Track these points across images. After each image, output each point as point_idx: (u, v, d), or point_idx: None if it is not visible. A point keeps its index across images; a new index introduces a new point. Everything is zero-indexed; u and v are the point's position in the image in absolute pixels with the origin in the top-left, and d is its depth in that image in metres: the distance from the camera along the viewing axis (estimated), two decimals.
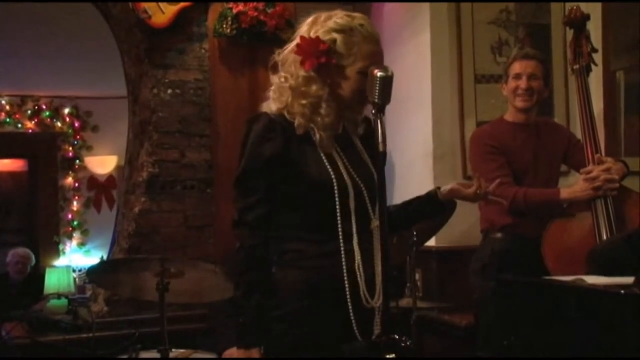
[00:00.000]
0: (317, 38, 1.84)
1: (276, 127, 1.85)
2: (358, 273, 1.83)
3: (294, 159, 1.84)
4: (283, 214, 1.87)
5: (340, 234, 1.83)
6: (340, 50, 1.85)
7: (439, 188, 2.12)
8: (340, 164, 1.88)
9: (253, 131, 1.87)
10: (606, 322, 2.02)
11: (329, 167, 1.84)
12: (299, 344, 1.81)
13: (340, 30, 1.86)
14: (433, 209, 2.11)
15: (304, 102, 1.85)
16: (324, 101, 1.86)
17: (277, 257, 1.87)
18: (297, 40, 1.89)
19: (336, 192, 1.82)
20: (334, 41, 1.85)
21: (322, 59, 1.83)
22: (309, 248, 1.84)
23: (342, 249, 1.82)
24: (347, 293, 1.81)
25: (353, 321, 1.81)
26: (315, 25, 1.88)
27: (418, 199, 2.12)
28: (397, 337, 1.91)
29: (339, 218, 1.82)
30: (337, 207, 1.82)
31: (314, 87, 1.85)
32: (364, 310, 1.82)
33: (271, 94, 1.91)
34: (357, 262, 1.83)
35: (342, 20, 1.88)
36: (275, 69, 1.94)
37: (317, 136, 1.86)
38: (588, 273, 2.47)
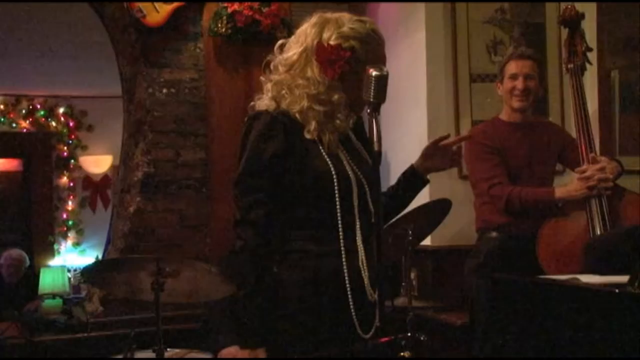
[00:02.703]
0: (339, 45, 1.84)
1: (278, 124, 1.84)
2: (362, 269, 1.83)
3: (297, 155, 1.84)
4: (286, 212, 1.86)
5: (340, 229, 1.83)
6: (359, 57, 1.85)
7: (411, 165, 2.15)
8: (344, 160, 1.89)
9: (254, 129, 1.86)
10: (600, 320, 2.02)
11: (328, 160, 1.84)
12: (303, 344, 1.81)
13: (358, 37, 1.87)
14: (416, 184, 2.15)
15: (320, 108, 1.85)
16: (342, 107, 1.87)
17: (281, 256, 1.86)
18: (304, 43, 1.88)
19: (336, 183, 1.82)
20: (352, 48, 1.85)
21: (345, 67, 1.84)
22: (313, 247, 1.84)
23: (343, 247, 1.83)
24: (349, 291, 1.81)
25: (355, 319, 1.81)
26: (327, 30, 1.87)
27: (398, 184, 2.15)
28: (410, 335, 1.91)
29: (339, 211, 1.82)
30: (337, 198, 1.82)
31: (336, 96, 1.86)
32: (367, 306, 1.82)
33: (271, 92, 1.89)
34: (360, 258, 1.84)
35: (357, 25, 1.88)
36: (269, 68, 1.93)
37: (326, 138, 1.86)
38: (584, 265, 2.48)
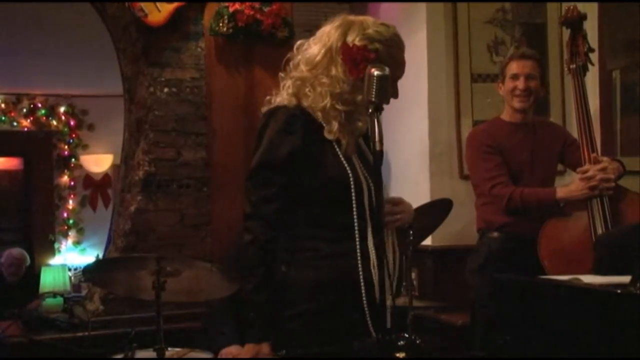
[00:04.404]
0: (365, 47, 1.85)
1: (296, 121, 1.85)
2: (373, 272, 1.83)
3: (313, 154, 1.85)
4: (297, 211, 1.87)
5: (357, 232, 1.83)
6: (382, 60, 1.85)
7: None
8: (356, 163, 1.89)
9: (271, 124, 1.87)
10: (602, 321, 2.02)
11: (346, 164, 1.85)
12: (312, 343, 1.81)
13: (382, 40, 1.88)
14: None
15: (343, 108, 1.86)
16: (364, 108, 1.86)
17: (290, 255, 1.86)
18: (328, 43, 1.89)
19: (352, 188, 1.83)
20: (377, 50, 1.87)
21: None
22: (323, 246, 1.85)
23: (358, 248, 1.83)
24: (363, 292, 1.81)
25: (369, 320, 1.81)
26: (352, 32, 1.88)
27: None
28: (407, 336, 1.90)
29: (355, 215, 1.83)
30: (354, 203, 1.83)
31: (359, 96, 1.86)
32: (376, 309, 1.82)
33: (291, 88, 1.90)
34: (372, 261, 1.84)
35: (381, 29, 1.90)
36: (288, 66, 1.94)
37: (345, 141, 1.87)
38: (592, 260, 2.47)
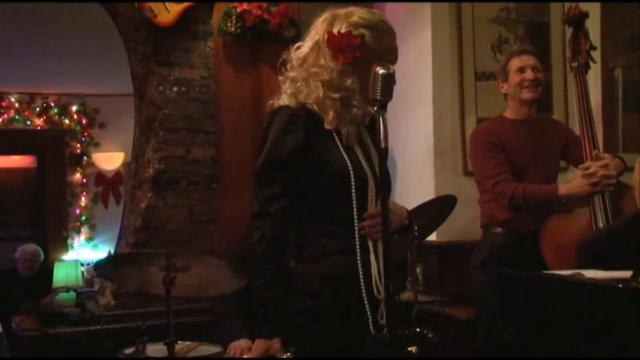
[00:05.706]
0: (349, 32, 1.88)
1: (298, 119, 1.87)
2: (372, 267, 1.86)
3: (316, 150, 1.87)
4: (304, 207, 1.89)
5: (356, 225, 1.85)
6: (369, 45, 1.89)
7: None
8: (360, 156, 1.91)
9: (275, 123, 1.89)
10: (604, 315, 2.02)
11: (347, 159, 1.87)
12: (320, 338, 1.83)
13: (367, 25, 1.90)
14: None
15: (336, 95, 1.88)
16: (357, 94, 1.89)
17: (297, 251, 1.89)
18: (316, 37, 1.92)
19: (352, 180, 1.85)
20: (363, 36, 1.89)
21: (356, 52, 1.87)
22: (330, 243, 1.87)
23: (358, 244, 1.85)
24: (362, 288, 1.84)
25: (369, 317, 1.83)
26: (338, 22, 1.91)
27: None
28: (419, 330, 1.93)
29: (355, 208, 1.85)
30: (354, 195, 1.85)
31: (349, 81, 1.89)
32: (379, 303, 1.84)
33: (289, 89, 1.93)
34: (372, 255, 1.86)
35: (366, 15, 1.92)
36: (285, 66, 1.97)
37: (344, 130, 1.89)
38: (576, 263, 2.50)
